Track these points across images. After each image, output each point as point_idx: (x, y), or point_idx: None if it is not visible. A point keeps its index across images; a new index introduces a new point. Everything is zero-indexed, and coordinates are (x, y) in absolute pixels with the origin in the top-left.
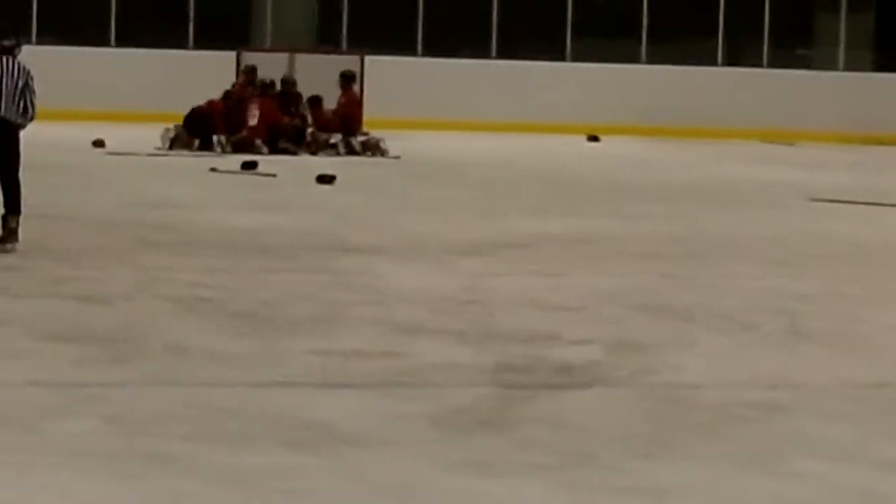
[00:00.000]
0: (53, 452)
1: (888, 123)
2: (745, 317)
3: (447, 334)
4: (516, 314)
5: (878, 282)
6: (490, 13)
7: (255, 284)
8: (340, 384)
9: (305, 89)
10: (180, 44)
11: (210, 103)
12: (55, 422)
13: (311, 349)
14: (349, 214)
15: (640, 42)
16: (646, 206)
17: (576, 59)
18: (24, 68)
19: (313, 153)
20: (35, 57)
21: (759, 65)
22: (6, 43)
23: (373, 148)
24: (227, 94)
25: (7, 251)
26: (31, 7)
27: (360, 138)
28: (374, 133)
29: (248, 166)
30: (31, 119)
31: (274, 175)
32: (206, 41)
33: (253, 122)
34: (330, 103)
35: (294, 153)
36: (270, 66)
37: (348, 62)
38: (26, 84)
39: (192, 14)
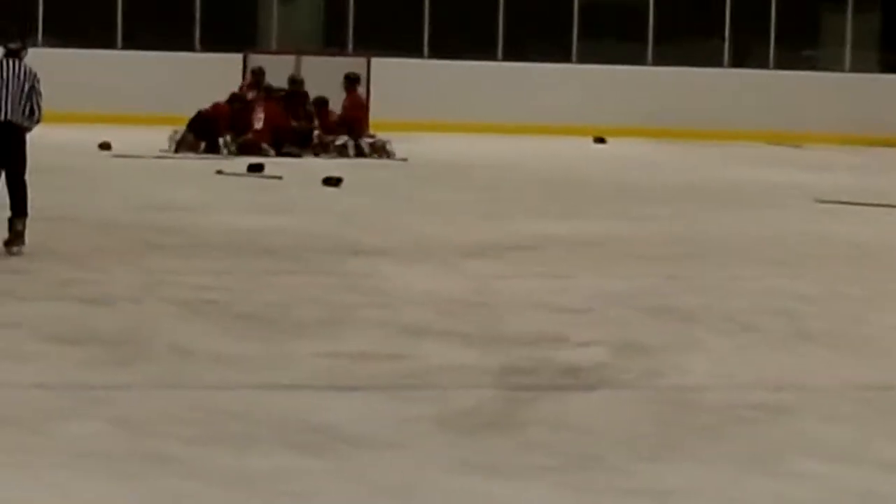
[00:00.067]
0: (58, 454)
1: (894, 125)
2: (750, 318)
3: (453, 336)
4: (522, 316)
5: (881, 283)
6: (496, 15)
7: (260, 287)
8: (346, 386)
9: (311, 91)
10: (186, 46)
11: (216, 106)
12: (60, 423)
13: (317, 351)
14: (355, 216)
15: (646, 44)
16: (652, 207)
17: (582, 60)
18: (30, 71)
19: (316, 155)
20: (41, 59)
21: (764, 66)
22: (12, 46)
23: (379, 150)
24: (232, 97)
25: (13, 254)
26: (37, 10)
27: (367, 140)
28: (381, 135)
29: (255, 169)
30: (38, 122)
31: (280, 177)
32: (213, 43)
33: (258, 125)
34: (336, 105)
35: (298, 155)
36: (277, 68)
37: (354, 64)
38: (32, 87)
39: (198, 16)
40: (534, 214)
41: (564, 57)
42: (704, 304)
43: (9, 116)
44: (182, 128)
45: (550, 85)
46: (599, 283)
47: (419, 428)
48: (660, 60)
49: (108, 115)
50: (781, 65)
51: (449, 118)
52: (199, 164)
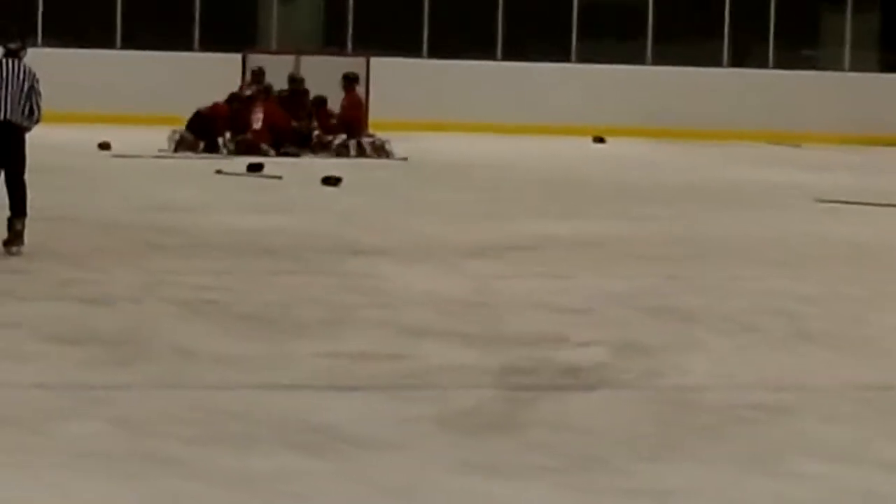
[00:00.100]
0: (58, 454)
1: (894, 124)
2: (750, 319)
3: (454, 336)
4: (523, 316)
5: (882, 283)
6: (495, 15)
7: (260, 287)
8: (346, 386)
9: (311, 91)
10: (186, 46)
11: (215, 106)
12: (60, 423)
13: (317, 351)
14: (355, 216)
15: (645, 43)
16: (652, 207)
17: (581, 60)
18: (29, 71)
19: (315, 153)
20: (41, 59)
21: (764, 66)
22: (12, 46)
23: (378, 150)
24: (231, 97)
25: (13, 254)
26: (36, 10)
27: (366, 140)
28: (380, 135)
29: (254, 168)
30: (37, 122)
31: (280, 177)
32: (212, 43)
33: (256, 125)
34: (335, 105)
35: (297, 155)
36: (276, 68)
37: (354, 64)
38: (32, 87)
39: (197, 16)
40: (534, 214)
41: (564, 57)
42: (704, 304)
43: (8, 116)
44: (181, 128)
45: (550, 85)
46: (599, 284)
47: (419, 428)
48: (659, 60)
49: (108, 114)
50: (781, 64)
51: (448, 118)
52: (198, 164)
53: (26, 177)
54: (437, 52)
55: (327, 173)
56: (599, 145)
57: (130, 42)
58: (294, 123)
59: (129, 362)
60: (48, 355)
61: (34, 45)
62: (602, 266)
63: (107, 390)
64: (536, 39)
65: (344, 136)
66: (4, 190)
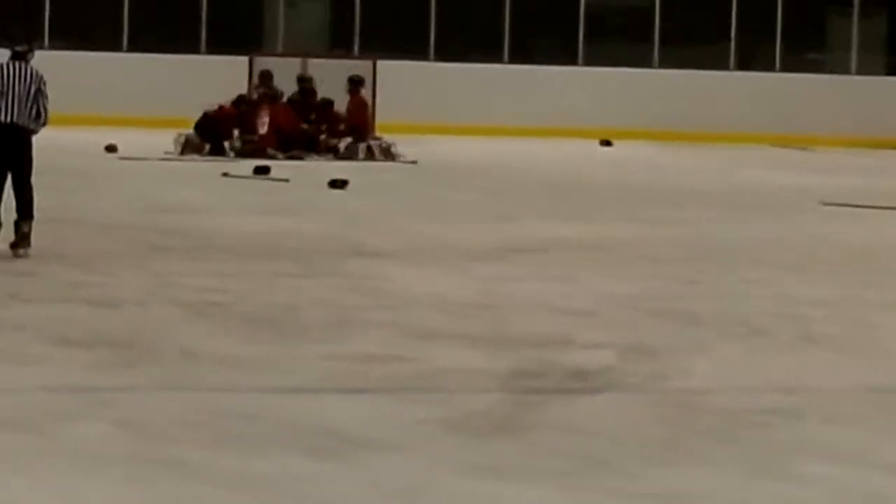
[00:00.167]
0: (64, 456)
1: None
2: (757, 322)
3: (461, 339)
4: (530, 319)
5: (890, 286)
6: (502, 18)
7: (266, 289)
8: (353, 389)
9: (318, 93)
10: (192, 48)
11: (221, 108)
12: (66, 426)
13: (323, 354)
14: (362, 219)
15: (652, 46)
16: (658, 210)
17: (588, 63)
18: (36, 73)
19: (319, 154)
20: (47, 62)
21: (770, 69)
22: (18, 48)
23: (384, 153)
24: (238, 100)
25: (19, 256)
26: (43, 12)
27: (372, 142)
28: (386, 137)
29: (261, 171)
30: (44, 124)
31: (286, 180)
32: (219, 46)
33: (262, 129)
34: (342, 107)
35: (300, 158)
36: (283, 70)
37: (360, 67)
38: (39, 89)
39: (204, 18)
40: (540, 217)
41: (570, 59)
42: (711, 307)
43: (15, 119)
44: (187, 130)
45: (556, 88)
46: (606, 286)
47: (426, 431)
48: (666, 63)
49: (114, 117)
50: (788, 68)
51: (455, 121)
52: (204, 167)
53: (33, 179)
54: (444, 54)
55: (334, 176)
56: (606, 148)
57: (137, 44)
58: (304, 125)
59: (135, 364)
60: (53, 357)
61: (41, 47)
62: (609, 269)
63: (112, 392)
64: (543, 42)
65: (349, 140)
66: (11, 192)
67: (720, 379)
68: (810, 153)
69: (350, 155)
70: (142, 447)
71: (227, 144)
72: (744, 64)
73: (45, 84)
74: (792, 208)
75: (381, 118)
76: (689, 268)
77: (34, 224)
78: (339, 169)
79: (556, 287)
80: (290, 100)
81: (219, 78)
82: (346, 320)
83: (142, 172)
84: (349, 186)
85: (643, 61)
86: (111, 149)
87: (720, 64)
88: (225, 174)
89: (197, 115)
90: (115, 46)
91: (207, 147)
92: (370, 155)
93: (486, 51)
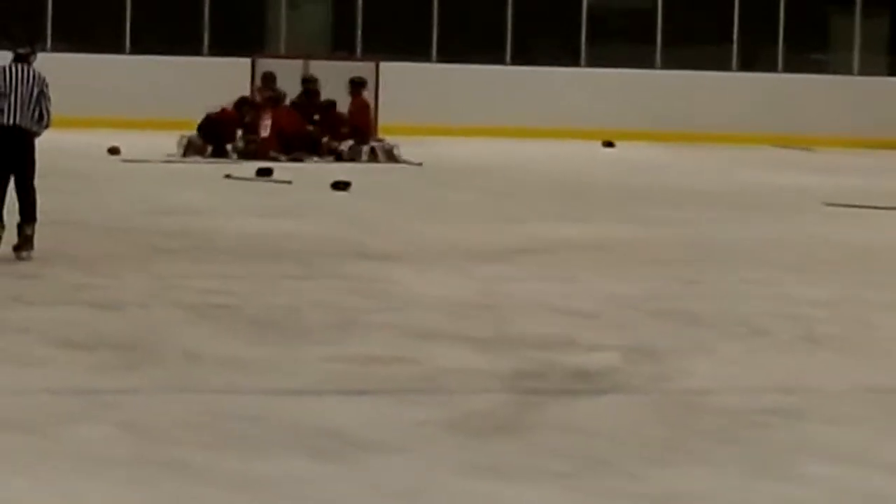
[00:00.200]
0: (67, 458)
1: None
2: (759, 322)
3: (463, 340)
4: (532, 320)
5: (891, 286)
6: (504, 19)
7: (269, 291)
8: (356, 390)
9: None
10: (195, 50)
11: (223, 110)
12: (69, 428)
13: (325, 355)
14: (364, 220)
15: (654, 47)
16: (661, 211)
17: (590, 64)
18: (39, 76)
19: (320, 157)
20: (50, 64)
21: (773, 70)
22: (21, 51)
23: (388, 154)
24: (240, 101)
25: (23, 258)
26: (45, 14)
27: (375, 144)
28: (389, 139)
29: (263, 173)
30: (47, 126)
31: (289, 182)
32: (221, 48)
33: (264, 133)
34: (344, 109)
35: (300, 160)
36: (285, 72)
37: (363, 69)
38: (41, 91)
39: (206, 20)
40: (543, 218)
41: (573, 60)
42: (713, 307)
43: (17, 121)
44: (190, 132)
45: (559, 89)
46: (609, 287)
47: (428, 431)
48: (668, 64)
49: (117, 119)
50: (790, 68)
51: (457, 122)
52: (207, 169)
53: (36, 182)
54: (446, 56)
55: (337, 178)
56: (608, 149)
57: (139, 46)
58: (309, 127)
59: (138, 366)
60: (57, 360)
61: (43, 49)
62: (611, 269)
63: (115, 395)
64: (545, 43)
65: (351, 143)
66: (14, 195)
67: (721, 379)
68: (812, 153)
69: (353, 157)
70: (144, 449)
71: (229, 146)
72: (746, 65)
73: (47, 86)
74: (793, 208)
75: (383, 120)
76: (691, 268)
77: (37, 227)
78: (341, 171)
79: (557, 288)
80: (294, 101)
81: (221, 80)
82: (347, 322)
83: (144, 174)
84: (352, 188)
85: (645, 62)
86: (114, 151)
87: (722, 65)
88: (227, 176)
89: (199, 117)
90: (117, 48)
91: (210, 149)
92: (373, 157)
93: (488, 52)
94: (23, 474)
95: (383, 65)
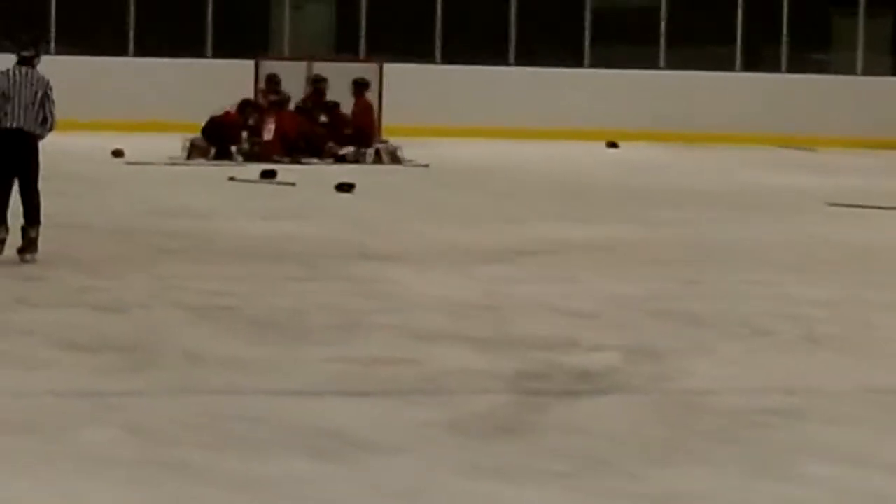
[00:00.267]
0: (71, 460)
1: None
2: (761, 322)
3: (465, 341)
4: (534, 320)
5: (891, 287)
6: (508, 20)
7: (272, 292)
8: (358, 392)
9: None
10: (198, 53)
11: (226, 113)
12: (73, 430)
13: (328, 357)
14: (368, 222)
15: (658, 48)
16: (664, 211)
17: (594, 65)
18: (42, 79)
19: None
20: (53, 67)
21: (776, 70)
22: (25, 53)
23: (392, 156)
24: (243, 104)
25: (27, 261)
26: (49, 17)
27: (379, 146)
28: (392, 140)
29: (267, 175)
30: (51, 129)
31: (293, 184)
32: (225, 50)
33: (268, 136)
34: (347, 110)
35: (299, 161)
36: (289, 74)
37: (366, 70)
38: (45, 94)
39: (210, 23)
40: (546, 218)
41: (576, 61)
42: (715, 308)
43: (21, 124)
44: (194, 134)
45: (562, 89)
46: (611, 288)
47: (430, 433)
48: (672, 64)
49: (121, 122)
50: (794, 68)
51: (461, 123)
52: (211, 171)
53: (40, 185)
54: (450, 57)
55: (340, 179)
56: (612, 150)
57: (143, 49)
58: (318, 128)
59: (142, 369)
60: (61, 362)
61: (47, 52)
62: (613, 270)
63: (119, 397)
64: (549, 44)
65: (352, 149)
66: (18, 198)
67: (721, 379)
68: (815, 154)
69: (357, 159)
70: (146, 450)
71: (234, 148)
72: (749, 65)
73: (51, 89)
74: (794, 209)
75: (387, 121)
76: (691, 268)
77: (41, 229)
78: (345, 172)
79: (561, 288)
80: (302, 101)
81: (225, 82)
82: (350, 323)
83: (148, 177)
84: (355, 190)
85: (649, 63)
86: (118, 153)
87: (726, 65)
88: (231, 178)
89: (203, 120)
90: (120, 51)
91: (213, 151)
92: (378, 159)
93: (491, 53)
94: (26, 475)
95: (387, 66)
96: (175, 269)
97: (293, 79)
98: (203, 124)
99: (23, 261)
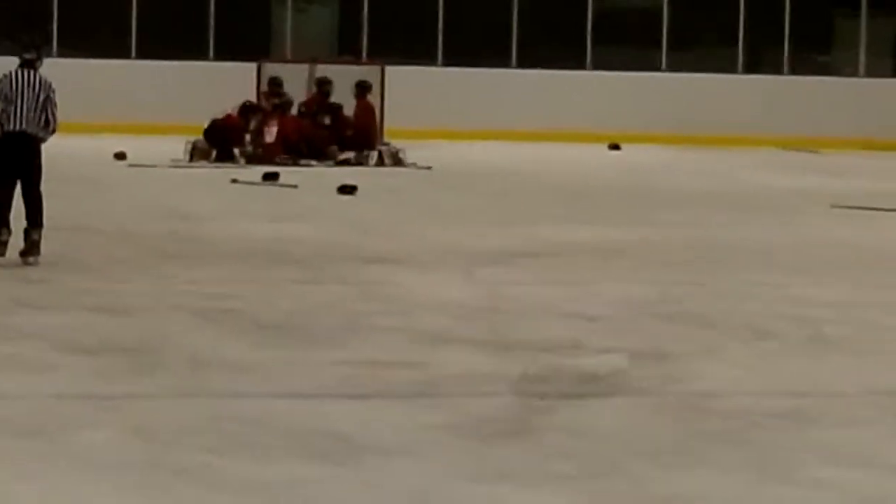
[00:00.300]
0: (75, 463)
1: None
2: (767, 325)
3: (470, 344)
4: (539, 323)
5: None
6: (510, 22)
7: (275, 295)
8: (361, 394)
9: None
10: (201, 55)
11: (228, 116)
12: (77, 433)
13: (332, 359)
14: (371, 224)
15: (660, 50)
16: (667, 214)
17: (596, 67)
18: (45, 81)
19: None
20: (56, 70)
21: (779, 72)
22: (27, 56)
23: (394, 158)
24: (244, 107)
25: (29, 264)
26: (51, 20)
27: (382, 148)
28: (395, 143)
29: (270, 177)
30: (53, 132)
31: (295, 186)
32: (227, 52)
33: (269, 139)
34: (349, 112)
35: (297, 163)
36: (291, 76)
37: (368, 72)
38: (48, 97)
39: (212, 25)
40: (549, 221)
41: (579, 64)
42: (722, 310)
43: (24, 127)
44: (196, 137)
45: (565, 92)
46: (616, 290)
47: (434, 435)
48: (674, 67)
49: (123, 124)
50: (796, 70)
51: (463, 126)
52: (213, 173)
53: (42, 187)
54: (452, 59)
55: (343, 182)
56: (615, 152)
57: (145, 51)
58: (322, 130)
59: (145, 371)
60: (63, 365)
61: (49, 55)
62: (619, 272)
63: (122, 399)
64: (551, 46)
65: (353, 154)
66: (20, 201)
67: (729, 381)
68: (818, 155)
69: (360, 162)
70: (150, 454)
71: (237, 151)
72: (752, 67)
73: (53, 92)
74: (799, 211)
75: (389, 123)
76: (698, 270)
77: (43, 232)
78: (348, 174)
79: (566, 291)
80: (304, 103)
81: (227, 84)
82: (354, 326)
83: (151, 179)
84: (358, 192)
85: (651, 65)
86: (120, 156)
87: (728, 67)
88: (234, 181)
89: (206, 122)
90: (123, 53)
91: (214, 153)
92: (380, 162)
93: (493, 55)
94: (28, 479)
95: (389, 68)
96: (178, 271)
97: (296, 81)
98: (205, 127)
99: (25, 263)
